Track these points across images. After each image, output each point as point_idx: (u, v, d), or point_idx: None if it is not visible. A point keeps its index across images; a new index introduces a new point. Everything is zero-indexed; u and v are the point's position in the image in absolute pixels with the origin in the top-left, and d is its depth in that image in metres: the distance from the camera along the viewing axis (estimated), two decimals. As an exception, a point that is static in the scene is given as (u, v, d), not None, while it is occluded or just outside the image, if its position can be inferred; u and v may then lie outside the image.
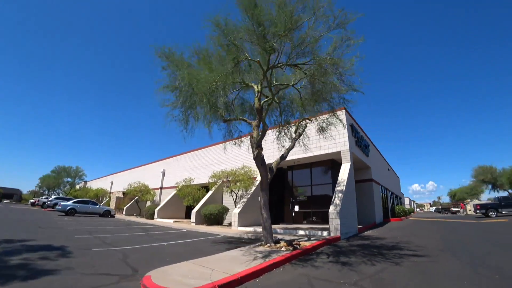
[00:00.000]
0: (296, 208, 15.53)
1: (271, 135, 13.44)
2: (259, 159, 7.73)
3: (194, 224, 14.97)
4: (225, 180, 15.30)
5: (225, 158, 18.02)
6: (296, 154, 14.07)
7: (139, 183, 23.94)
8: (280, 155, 8.82)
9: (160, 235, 10.38)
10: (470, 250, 6.67)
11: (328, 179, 15.12)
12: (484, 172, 42.36)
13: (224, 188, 15.71)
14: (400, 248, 7.29)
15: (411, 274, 4.51)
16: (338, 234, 9.61)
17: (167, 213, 19.88)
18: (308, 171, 15.92)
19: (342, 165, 12.77)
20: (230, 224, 14.83)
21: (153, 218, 19.68)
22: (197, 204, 16.78)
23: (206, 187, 18.30)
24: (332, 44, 6.60)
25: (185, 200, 17.14)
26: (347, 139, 12.92)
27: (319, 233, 10.16)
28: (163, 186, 24.20)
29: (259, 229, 11.94)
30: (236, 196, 15.39)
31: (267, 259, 5.40)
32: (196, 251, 6.72)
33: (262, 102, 7.81)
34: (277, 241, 7.45)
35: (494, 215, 21.90)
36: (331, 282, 4.11)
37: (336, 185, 11.70)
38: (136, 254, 6.13)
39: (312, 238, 9.10)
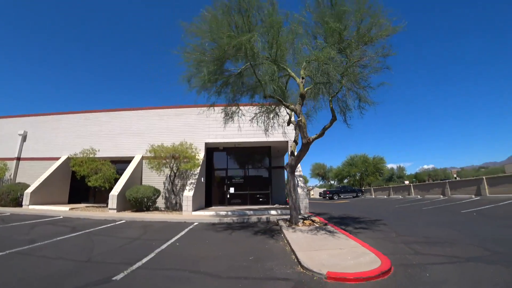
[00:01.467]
0: (232, 190, 15.65)
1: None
2: (309, 145, 7.79)
3: (116, 211, 11.61)
4: (163, 156, 12.75)
5: (144, 129, 14.98)
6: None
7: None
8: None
9: (101, 233, 7.65)
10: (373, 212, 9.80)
11: (266, 163, 16.29)
12: (318, 167, 59.08)
13: (153, 167, 13.05)
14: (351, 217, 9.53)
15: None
16: (308, 211, 11.06)
17: (46, 197, 13.86)
18: (245, 154, 16.35)
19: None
20: (172, 210, 12.88)
21: (20, 205, 13.13)
22: (108, 184, 12.99)
23: (114, 162, 14.42)
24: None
25: (92, 179, 12.70)
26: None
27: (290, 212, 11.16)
28: (23, 157, 16.32)
29: (222, 212, 11.25)
30: (175, 176, 13.38)
31: (347, 236, 5.68)
32: (248, 249, 5.72)
33: (306, 88, 7.62)
34: (303, 219, 8.32)
35: (336, 198, 31.53)
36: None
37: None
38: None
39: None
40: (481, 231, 6.82)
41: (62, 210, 12.07)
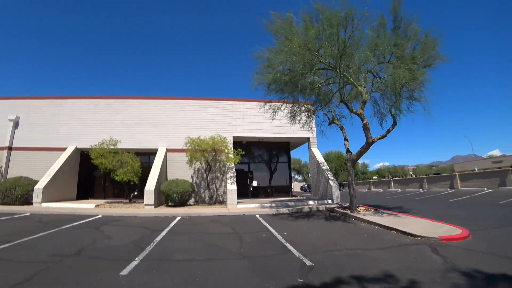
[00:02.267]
0: (255, 183, 16.03)
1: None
2: (371, 144, 8.81)
3: (153, 207, 11.13)
4: (197, 149, 12.49)
5: (165, 120, 14.40)
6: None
7: None
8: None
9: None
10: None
11: (285, 158, 17.05)
12: (293, 162, 61.74)
13: (191, 160, 12.77)
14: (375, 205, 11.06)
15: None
16: (339, 201, 12.15)
17: (56, 193, 12.40)
18: (266, 148, 16.81)
19: (315, 150, 15.12)
20: (212, 203, 12.80)
21: (29, 203, 11.55)
22: (136, 179, 12.28)
23: (138, 154, 13.58)
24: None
25: (119, 172, 11.79)
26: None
27: (326, 201, 12.20)
28: (15, 146, 14.13)
29: (265, 204, 11.67)
30: (209, 170, 13.25)
31: (408, 216, 7.33)
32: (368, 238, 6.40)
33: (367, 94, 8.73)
34: (357, 207, 9.63)
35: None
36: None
37: (321, 165, 13.93)
38: None
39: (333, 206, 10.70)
40: (480, 212, 9.37)
41: (88, 207, 11.02)
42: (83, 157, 14.49)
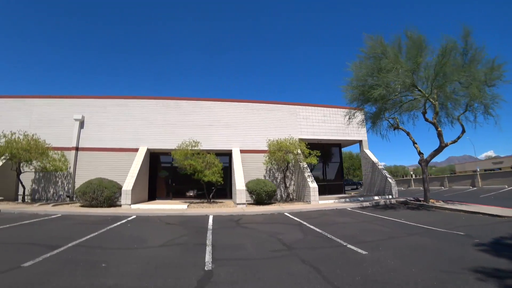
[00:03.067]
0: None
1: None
2: (444, 148, 11.11)
3: (245, 205, 11.64)
4: (276, 150, 13.13)
5: (234, 122, 14.86)
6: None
7: (23, 133, 12.06)
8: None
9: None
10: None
11: (337, 158, 18.04)
12: None
13: (266, 160, 13.39)
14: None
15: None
16: (397, 196, 13.40)
17: (137, 194, 12.45)
18: (321, 149, 17.69)
19: (368, 151, 16.24)
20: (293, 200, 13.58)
21: (114, 205, 11.58)
22: (221, 179, 12.61)
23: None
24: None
25: (208, 173, 12.09)
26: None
27: (386, 196, 13.62)
28: (82, 146, 13.88)
29: (341, 199, 12.59)
30: (287, 169, 13.95)
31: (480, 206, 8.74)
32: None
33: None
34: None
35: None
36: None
37: (377, 165, 15.09)
38: None
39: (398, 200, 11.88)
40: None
41: (180, 208, 11.28)
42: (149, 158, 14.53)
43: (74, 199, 13.26)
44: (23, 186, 12.56)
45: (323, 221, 8.05)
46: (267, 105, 15.52)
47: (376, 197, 13.67)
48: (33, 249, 4.67)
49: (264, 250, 4.88)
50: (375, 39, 10.87)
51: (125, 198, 11.55)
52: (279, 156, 12.99)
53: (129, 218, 8.81)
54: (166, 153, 14.22)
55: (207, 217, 9.08)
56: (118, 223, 7.82)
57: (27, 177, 12.94)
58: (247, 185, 12.40)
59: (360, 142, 16.80)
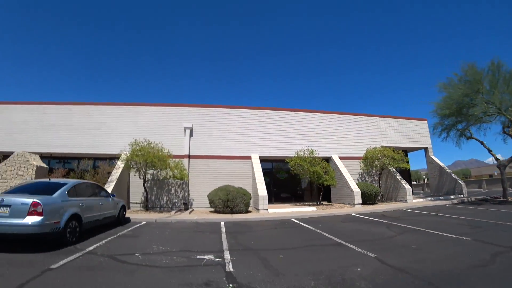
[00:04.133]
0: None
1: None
2: None
3: (360, 205, 13.24)
4: (372, 156, 15.12)
5: (330, 131, 16.49)
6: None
7: (148, 141, 12.20)
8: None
9: None
10: None
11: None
12: None
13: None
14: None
15: None
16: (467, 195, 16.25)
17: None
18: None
19: (433, 157, 18.92)
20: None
21: (248, 212, 12.32)
22: (335, 182, 14.04)
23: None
24: None
25: (327, 178, 13.45)
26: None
27: (459, 196, 16.05)
28: (192, 154, 14.19)
29: (429, 198, 14.87)
30: (381, 173, 15.94)
31: None
32: None
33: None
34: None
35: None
36: None
37: (444, 169, 17.83)
38: None
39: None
40: None
41: (310, 210, 12.45)
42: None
43: (190, 206, 13.56)
44: (147, 194, 12.59)
45: (455, 212, 10.23)
46: (353, 116, 17.30)
47: (452, 196, 16.15)
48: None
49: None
50: (471, 67, 13.42)
51: (263, 203, 12.34)
52: (373, 161, 15.02)
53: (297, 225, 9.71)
54: (266, 160, 15.24)
55: (345, 215, 10.62)
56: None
57: (140, 184, 12.96)
58: (361, 188, 13.99)
59: (425, 149, 19.15)
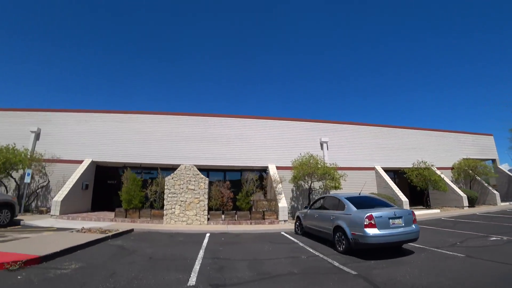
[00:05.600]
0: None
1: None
2: None
3: (467, 207, 16.58)
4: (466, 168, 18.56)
5: (380, 144, 19.52)
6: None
7: (311, 155, 14.92)
8: None
9: None
10: None
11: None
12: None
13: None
14: None
15: None
16: None
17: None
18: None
19: (501, 167, 22.60)
20: None
21: None
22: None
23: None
24: None
25: (441, 184, 16.71)
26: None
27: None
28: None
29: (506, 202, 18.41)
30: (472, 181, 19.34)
31: None
32: None
33: None
34: None
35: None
36: None
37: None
38: None
39: None
40: None
41: (436, 212, 15.64)
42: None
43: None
44: (309, 200, 15.38)
45: None
46: (443, 133, 20.73)
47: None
48: None
49: None
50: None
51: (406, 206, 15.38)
52: (462, 171, 18.50)
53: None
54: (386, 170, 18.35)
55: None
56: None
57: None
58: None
59: (493, 160, 22.79)
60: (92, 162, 15.22)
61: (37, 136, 15.79)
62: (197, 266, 5.22)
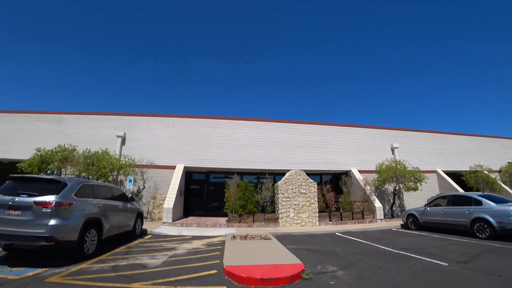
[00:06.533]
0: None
1: None
2: None
3: None
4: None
5: (438, 148, 21.38)
6: None
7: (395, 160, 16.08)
8: None
9: None
10: None
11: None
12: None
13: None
14: None
15: None
16: None
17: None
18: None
19: None
20: None
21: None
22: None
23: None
24: None
25: (496, 186, 18.29)
26: None
27: None
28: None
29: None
30: None
31: None
32: None
33: None
34: None
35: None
36: None
37: None
38: None
39: None
40: None
41: None
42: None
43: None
44: (393, 201, 16.54)
45: None
46: (484, 138, 22.47)
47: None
48: None
49: None
50: None
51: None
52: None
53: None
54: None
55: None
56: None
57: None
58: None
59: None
60: (184, 168, 15.59)
61: (123, 141, 15.99)
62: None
